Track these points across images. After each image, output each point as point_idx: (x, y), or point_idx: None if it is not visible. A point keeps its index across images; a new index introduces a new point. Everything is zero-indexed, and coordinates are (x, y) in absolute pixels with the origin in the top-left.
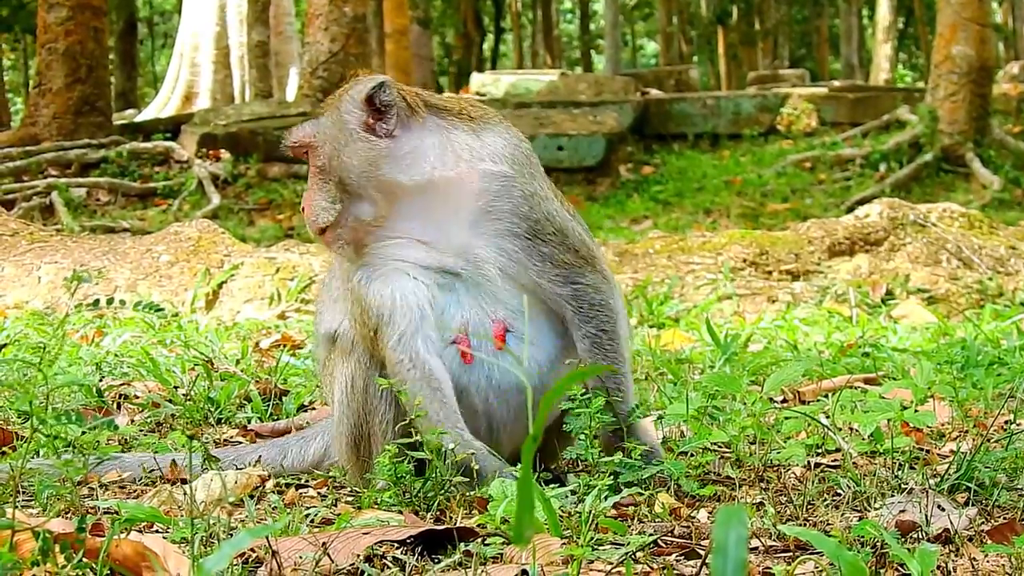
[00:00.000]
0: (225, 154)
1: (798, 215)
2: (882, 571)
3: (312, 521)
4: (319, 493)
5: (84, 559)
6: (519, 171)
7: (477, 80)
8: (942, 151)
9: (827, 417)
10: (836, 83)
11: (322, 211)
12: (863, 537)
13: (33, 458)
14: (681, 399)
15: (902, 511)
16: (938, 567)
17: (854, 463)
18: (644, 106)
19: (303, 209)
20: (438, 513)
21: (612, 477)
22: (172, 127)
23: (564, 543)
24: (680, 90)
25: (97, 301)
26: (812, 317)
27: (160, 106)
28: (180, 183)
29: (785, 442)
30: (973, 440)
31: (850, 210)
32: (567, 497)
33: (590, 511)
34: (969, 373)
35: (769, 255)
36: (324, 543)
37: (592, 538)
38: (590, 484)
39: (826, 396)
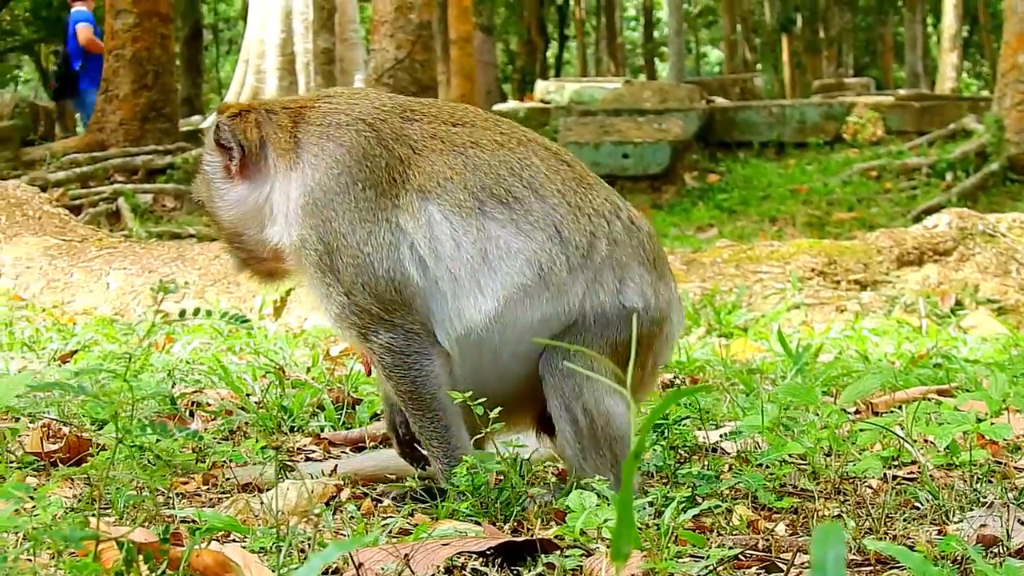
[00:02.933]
0: None
1: (864, 224)
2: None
3: (390, 531)
4: (395, 504)
5: (167, 570)
6: (314, 221)
7: (541, 87)
8: (1008, 160)
9: (902, 429)
10: (901, 92)
11: (230, 259)
12: (945, 552)
13: (112, 468)
14: (754, 410)
15: (983, 525)
16: None
17: (931, 475)
18: (709, 114)
19: None
20: (515, 524)
21: (690, 489)
22: None
23: (644, 556)
24: (745, 98)
25: (184, 312)
26: (881, 327)
27: None
28: None
29: (860, 454)
30: None
31: (917, 219)
32: (645, 508)
33: (669, 524)
34: None
35: (837, 264)
36: (406, 555)
37: (672, 551)
38: (668, 496)
39: (899, 408)
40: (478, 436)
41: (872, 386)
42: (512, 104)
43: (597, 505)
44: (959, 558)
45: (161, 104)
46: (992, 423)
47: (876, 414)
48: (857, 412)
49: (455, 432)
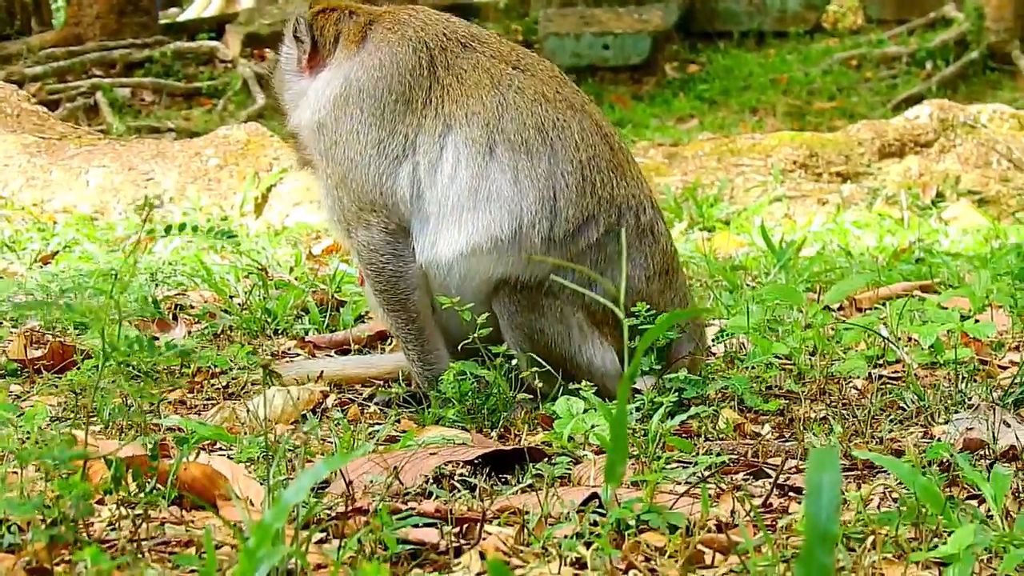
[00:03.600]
0: (270, 53)
1: (844, 113)
2: (952, 490)
3: (377, 440)
4: (380, 409)
5: (156, 484)
6: (338, 112)
7: None
8: (988, 49)
9: (886, 327)
10: None
11: (295, 156)
12: (932, 459)
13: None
14: (738, 308)
15: (969, 429)
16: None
17: (915, 375)
18: (690, 4)
19: None
20: (502, 430)
21: (676, 394)
22: (216, 26)
23: (632, 464)
24: None
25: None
26: (863, 220)
27: (204, 3)
28: (225, 83)
29: (845, 353)
30: None
31: (897, 108)
32: (632, 414)
33: (656, 430)
34: None
35: (819, 157)
36: (395, 467)
37: (659, 459)
38: (655, 401)
39: (883, 304)
40: (465, 342)
41: (857, 284)
42: None
43: (584, 410)
44: (946, 464)
45: None
46: (976, 321)
47: (860, 310)
48: (841, 309)
49: (429, 336)
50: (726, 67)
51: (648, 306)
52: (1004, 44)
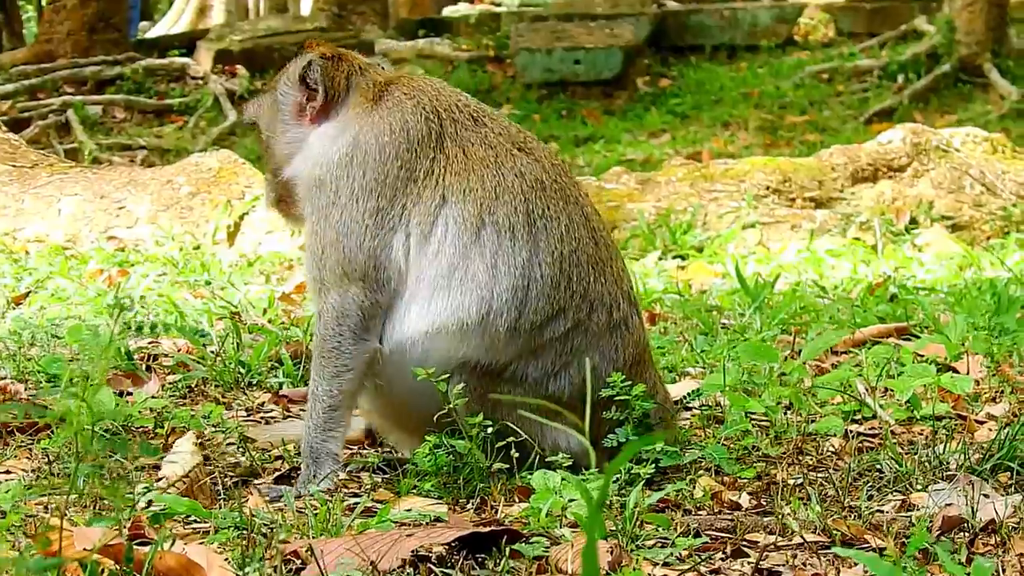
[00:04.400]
0: (241, 70)
1: (816, 128)
2: (928, 566)
3: (354, 515)
4: (355, 477)
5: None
6: (341, 172)
7: None
8: (960, 61)
9: (862, 378)
10: None
11: (266, 191)
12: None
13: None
14: (713, 354)
15: (948, 504)
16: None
17: (892, 431)
18: (661, 18)
19: None
20: (479, 501)
21: (653, 465)
22: (187, 43)
23: (611, 544)
24: (697, 1)
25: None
26: (837, 248)
27: (173, 19)
28: (196, 100)
29: (821, 407)
30: (1010, 405)
31: (868, 122)
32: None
33: (634, 508)
34: (1000, 322)
35: (792, 182)
36: (372, 561)
37: (638, 534)
38: (632, 472)
39: (859, 348)
40: (441, 412)
41: (831, 341)
42: (463, 7)
43: (562, 481)
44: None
45: (110, 14)
46: (952, 373)
47: (836, 354)
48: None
49: (339, 417)
50: (698, 81)
51: (623, 377)
52: (975, 56)
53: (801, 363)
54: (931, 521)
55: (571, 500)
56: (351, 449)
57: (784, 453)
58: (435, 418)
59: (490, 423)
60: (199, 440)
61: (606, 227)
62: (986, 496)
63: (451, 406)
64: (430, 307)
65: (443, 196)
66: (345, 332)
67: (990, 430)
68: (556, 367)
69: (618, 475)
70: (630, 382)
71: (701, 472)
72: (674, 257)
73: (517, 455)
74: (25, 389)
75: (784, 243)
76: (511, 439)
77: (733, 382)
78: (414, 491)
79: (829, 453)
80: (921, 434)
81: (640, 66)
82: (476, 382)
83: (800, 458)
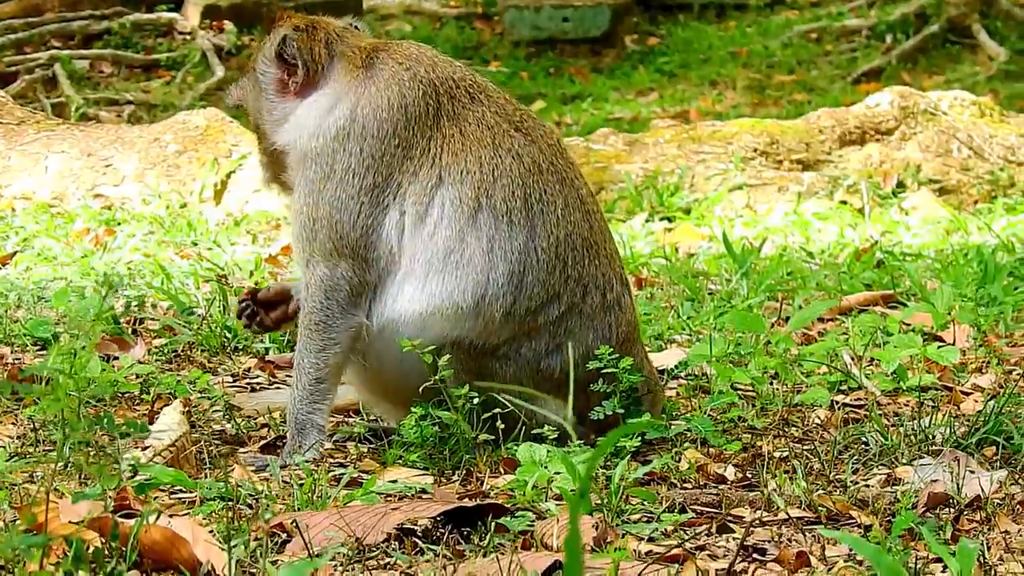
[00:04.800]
0: (229, 25)
1: (804, 87)
2: (913, 544)
3: (340, 486)
4: (341, 445)
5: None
6: (337, 146)
7: None
8: (948, 22)
9: (848, 346)
10: None
11: (262, 171)
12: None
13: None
14: (700, 320)
15: (934, 480)
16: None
17: (877, 402)
18: None
19: None
20: (464, 472)
21: (639, 438)
22: None
23: (597, 518)
24: None
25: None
26: (824, 211)
27: None
28: (184, 55)
29: (808, 377)
30: (996, 376)
31: (856, 82)
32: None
33: (619, 482)
34: (986, 290)
35: (779, 144)
36: (357, 536)
37: (624, 508)
38: (618, 445)
39: (845, 316)
40: (426, 384)
41: (818, 311)
42: None
43: (547, 454)
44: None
45: None
46: (938, 347)
47: (822, 321)
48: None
49: (324, 390)
50: (686, 40)
51: (610, 350)
52: (964, 17)
53: (787, 333)
54: (917, 497)
55: (557, 473)
56: (337, 418)
57: (770, 424)
58: (421, 390)
59: (476, 395)
60: (185, 408)
61: (599, 207)
62: (972, 471)
63: (435, 379)
64: (425, 288)
65: (439, 176)
66: (333, 306)
67: (976, 401)
68: (550, 347)
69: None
70: (617, 356)
71: (687, 444)
72: (661, 219)
73: (503, 426)
74: (11, 352)
75: (771, 205)
76: (497, 410)
77: (719, 352)
78: (400, 462)
79: (815, 425)
80: (907, 405)
81: (628, 24)
82: (468, 358)
83: (786, 430)
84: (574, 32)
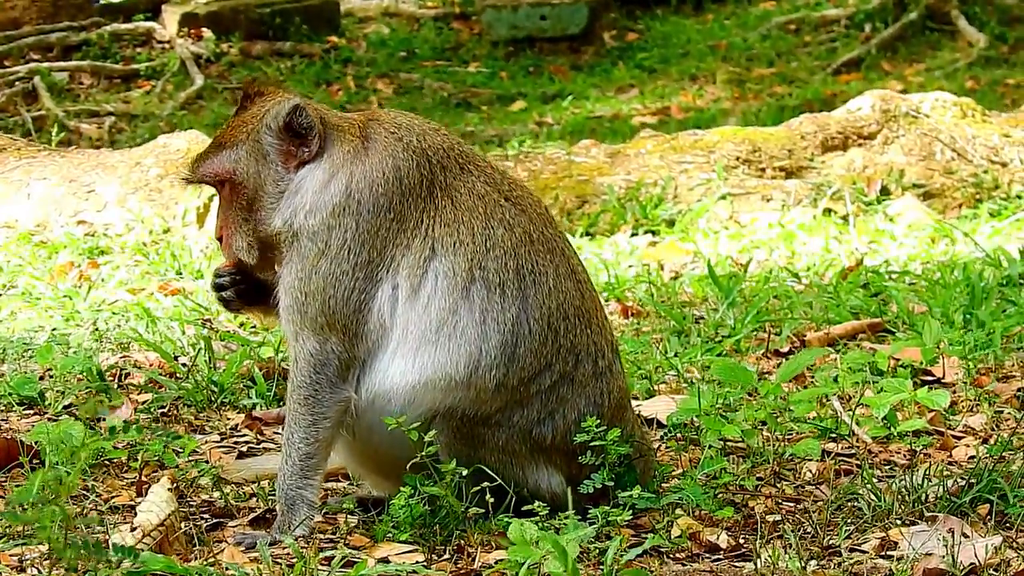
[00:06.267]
0: (207, 33)
1: (784, 79)
2: None
3: (330, 563)
4: (329, 520)
5: None
6: (333, 222)
7: None
8: (927, 9)
9: (837, 386)
10: None
11: (245, 251)
12: None
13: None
14: (688, 356)
15: (928, 554)
16: None
17: (869, 453)
18: None
19: (220, 239)
20: (455, 548)
21: (631, 511)
22: (152, 6)
23: None
24: None
25: None
26: (808, 223)
27: None
28: (163, 64)
29: (797, 425)
30: (987, 419)
31: (836, 72)
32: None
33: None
34: (975, 314)
35: (762, 152)
36: None
37: None
38: (609, 518)
39: (833, 345)
40: (414, 460)
41: (806, 360)
42: None
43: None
44: None
45: None
46: (928, 391)
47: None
48: (789, 353)
49: (315, 464)
50: (664, 34)
51: (598, 422)
52: (942, 4)
53: (776, 384)
54: (911, 568)
55: (548, 552)
56: (328, 485)
57: (761, 480)
58: (409, 465)
59: (464, 470)
60: (173, 483)
61: (589, 277)
62: (966, 536)
63: (422, 455)
64: (416, 361)
65: (432, 248)
66: (322, 381)
67: (967, 446)
68: (542, 415)
69: (595, 520)
70: (605, 427)
71: (679, 512)
72: (645, 232)
73: (492, 500)
74: None
75: (755, 216)
76: (486, 484)
77: (708, 405)
78: (390, 537)
79: (807, 478)
80: (899, 452)
81: (607, 20)
82: (459, 427)
83: (779, 484)
84: (552, 30)
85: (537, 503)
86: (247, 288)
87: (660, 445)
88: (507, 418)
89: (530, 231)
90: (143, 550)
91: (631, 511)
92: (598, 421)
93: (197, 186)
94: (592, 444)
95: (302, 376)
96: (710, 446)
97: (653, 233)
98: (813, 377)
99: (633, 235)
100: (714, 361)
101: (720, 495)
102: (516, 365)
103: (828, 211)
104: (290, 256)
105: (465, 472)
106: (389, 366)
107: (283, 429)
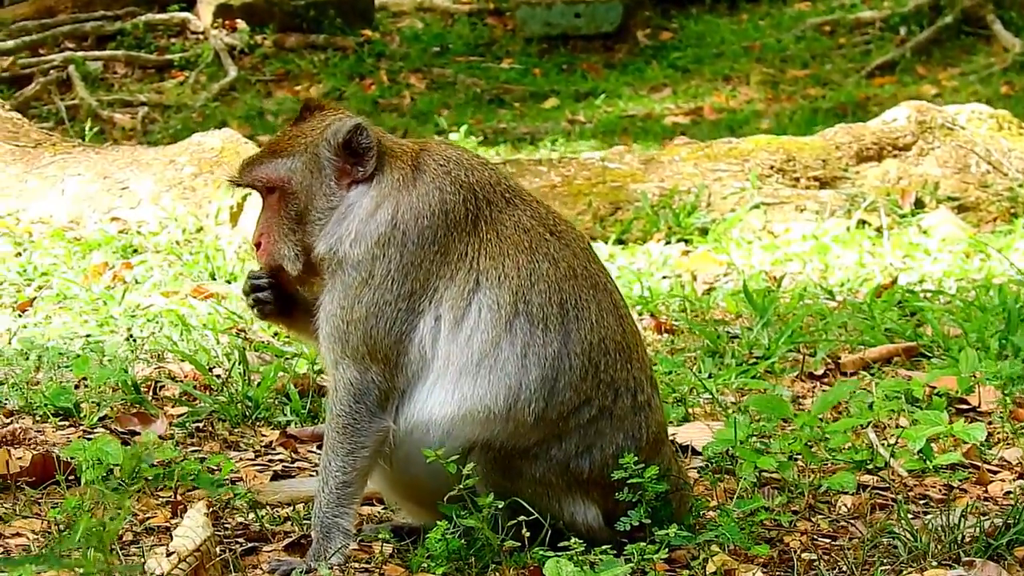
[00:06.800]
0: (241, 24)
1: (818, 81)
2: None
3: None
4: (365, 548)
5: None
6: (378, 252)
7: None
8: (963, 13)
9: (872, 415)
10: None
11: (290, 261)
12: None
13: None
14: (722, 378)
15: None
16: None
17: (904, 488)
18: None
19: (257, 245)
20: None
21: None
22: None
23: None
24: None
25: None
26: (843, 236)
27: None
28: (197, 55)
29: (832, 456)
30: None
31: (871, 75)
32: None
33: None
34: (1011, 340)
35: (796, 161)
36: None
37: None
38: (644, 555)
39: (867, 369)
40: (451, 493)
41: (842, 395)
42: None
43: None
44: None
45: None
46: (964, 425)
47: (844, 374)
48: (825, 376)
49: (352, 493)
50: (698, 34)
51: (635, 459)
52: (979, 8)
53: (812, 417)
54: None
55: None
56: (364, 511)
57: (796, 514)
58: (446, 498)
59: (501, 503)
60: (209, 508)
61: (630, 312)
62: None
63: (460, 488)
64: (456, 392)
65: (477, 281)
66: (362, 410)
67: (1003, 481)
68: (580, 448)
69: (631, 557)
70: (643, 463)
71: (715, 549)
72: (678, 240)
73: (528, 534)
74: (33, 422)
75: (789, 225)
76: (522, 518)
77: (743, 435)
78: (424, 568)
79: (842, 512)
80: (934, 487)
81: (641, 19)
82: (497, 459)
83: (814, 518)
84: (586, 28)
85: (573, 539)
86: (281, 295)
87: (695, 476)
88: (545, 451)
89: (574, 266)
90: None
91: (667, 550)
92: (636, 458)
93: (243, 189)
94: (630, 481)
95: (341, 405)
96: (744, 478)
97: (686, 241)
98: (848, 402)
99: (666, 243)
100: (750, 392)
101: (755, 531)
102: (556, 399)
103: (862, 223)
104: (333, 284)
105: (501, 504)
106: (428, 397)
107: (320, 456)
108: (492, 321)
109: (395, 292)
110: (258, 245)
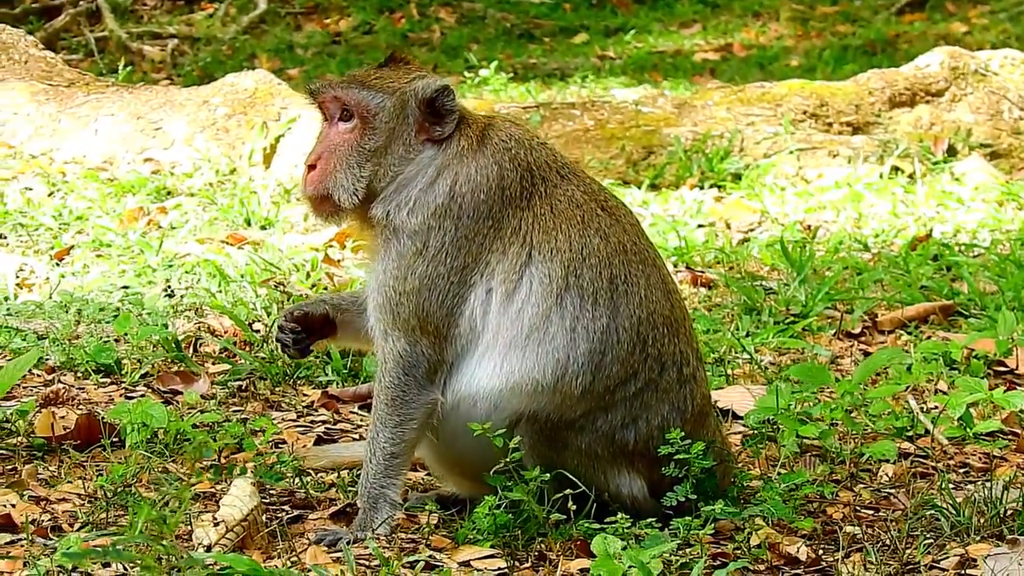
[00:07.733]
0: None
1: (848, 17)
2: None
3: (414, 568)
4: (411, 518)
5: None
6: (434, 223)
7: None
8: None
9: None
10: None
11: (346, 192)
12: None
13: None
14: (761, 337)
15: None
16: None
17: (946, 457)
18: None
19: (311, 168)
20: (537, 555)
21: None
22: None
23: None
24: None
25: None
26: (876, 183)
27: None
28: None
29: (874, 424)
30: None
31: (900, 12)
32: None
33: None
34: None
35: (829, 106)
36: None
37: None
38: (691, 529)
39: (904, 328)
40: (497, 467)
41: (882, 362)
42: None
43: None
44: None
45: None
46: (1004, 393)
47: (881, 332)
48: (863, 335)
49: (399, 464)
50: None
51: (681, 434)
52: None
53: (853, 386)
54: None
55: (631, 567)
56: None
57: (838, 483)
58: (493, 472)
59: (547, 475)
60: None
61: (678, 288)
62: None
63: (508, 461)
64: (504, 365)
65: (529, 254)
66: (411, 382)
67: None
68: (626, 420)
69: (677, 531)
70: (689, 440)
71: (759, 523)
72: (711, 186)
73: (574, 507)
74: (75, 378)
75: (822, 171)
76: (568, 491)
77: (784, 403)
78: (470, 541)
79: (884, 481)
80: (974, 455)
81: None
82: (543, 430)
83: (855, 488)
84: None
85: (620, 514)
86: (307, 343)
87: (737, 444)
88: (591, 422)
89: (624, 241)
90: (226, 546)
91: (713, 526)
92: (682, 432)
93: (313, 105)
94: (676, 457)
95: (390, 377)
96: (786, 446)
97: (719, 187)
98: (887, 366)
99: (699, 188)
100: (788, 352)
101: (799, 504)
102: (603, 372)
103: (895, 169)
104: (387, 252)
105: (547, 477)
106: (476, 369)
107: (368, 426)
108: (543, 294)
109: (448, 265)
110: (311, 167)
